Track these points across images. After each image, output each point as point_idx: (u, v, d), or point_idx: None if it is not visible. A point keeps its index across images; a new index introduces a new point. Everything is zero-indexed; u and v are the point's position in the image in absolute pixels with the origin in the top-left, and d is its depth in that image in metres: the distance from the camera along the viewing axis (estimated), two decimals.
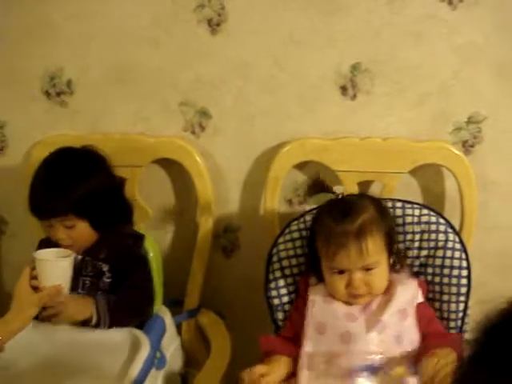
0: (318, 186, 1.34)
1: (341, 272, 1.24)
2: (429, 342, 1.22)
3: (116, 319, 1.37)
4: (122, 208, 1.51)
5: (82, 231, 1.41)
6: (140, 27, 1.59)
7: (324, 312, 1.27)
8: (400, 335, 1.22)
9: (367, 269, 1.23)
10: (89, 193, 1.39)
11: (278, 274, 1.39)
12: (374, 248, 1.22)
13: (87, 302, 1.36)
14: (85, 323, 1.36)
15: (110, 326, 1.37)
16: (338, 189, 1.30)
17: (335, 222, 1.22)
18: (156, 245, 1.60)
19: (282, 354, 1.28)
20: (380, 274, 1.24)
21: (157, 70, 1.61)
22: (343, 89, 1.51)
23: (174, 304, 1.62)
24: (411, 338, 1.24)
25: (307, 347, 1.26)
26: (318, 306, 1.28)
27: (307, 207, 1.43)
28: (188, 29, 1.55)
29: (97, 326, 1.36)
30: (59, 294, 1.30)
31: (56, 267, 1.33)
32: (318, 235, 1.27)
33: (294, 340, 1.31)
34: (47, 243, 1.46)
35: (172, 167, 1.66)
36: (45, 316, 1.32)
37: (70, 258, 1.34)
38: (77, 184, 1.38)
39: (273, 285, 1.39)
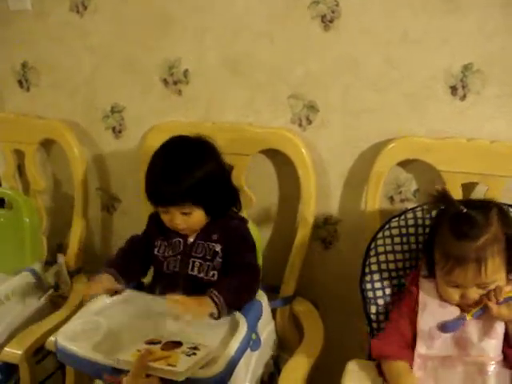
0: (440, 196, 1.26)
1: (455, 286, 1.22)
2: None
3: (233, 305, 1.40)
4: (231, 194, 1.56)
5: (198, 217, 1.47)
6: (255, 22, 1.62)
7: (437, 315, 1.24)
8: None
9: (483, 286, 1.20)
10: (204, 181, 1.43)
11: (374, 268, 1.39)
12: (493, 269, 1.18)
13: (204, 301, 1.36)
14: None
15: (229, 313, 1.39)
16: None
17: (457, 238, 1.18)
18: (257, 230, 1.63)
19: (402, 360, 1.25)
20: None
21: (269, 64, 1.64)
22: (453, 89, 1.48)
23: (271, 289, 1.64)
24: None
25: (420, 349, 1.24)
26: (430, 308, 1.26)
27: None
28: (301, 24, 1.57)
29: (218, 317, 1.37)
30: None
31: None
32: (437, 246, 1.24)
33: (401, 342, 1.28)
34: (156, 218, 1.53)
35: (278, 158, 1.69)
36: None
37: None
38: (193, 173, 1.42)
39: (368, 278, 1.40)
